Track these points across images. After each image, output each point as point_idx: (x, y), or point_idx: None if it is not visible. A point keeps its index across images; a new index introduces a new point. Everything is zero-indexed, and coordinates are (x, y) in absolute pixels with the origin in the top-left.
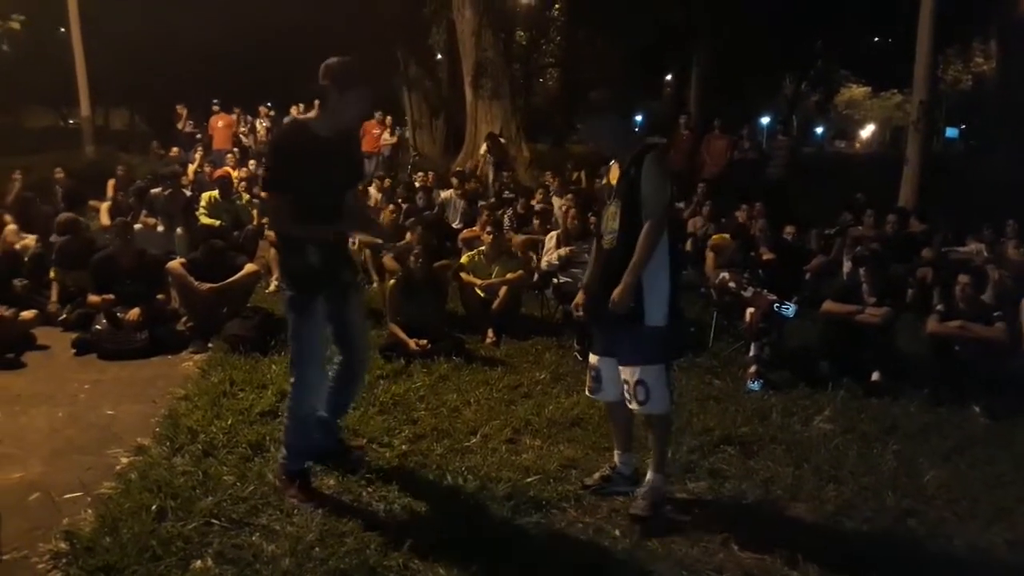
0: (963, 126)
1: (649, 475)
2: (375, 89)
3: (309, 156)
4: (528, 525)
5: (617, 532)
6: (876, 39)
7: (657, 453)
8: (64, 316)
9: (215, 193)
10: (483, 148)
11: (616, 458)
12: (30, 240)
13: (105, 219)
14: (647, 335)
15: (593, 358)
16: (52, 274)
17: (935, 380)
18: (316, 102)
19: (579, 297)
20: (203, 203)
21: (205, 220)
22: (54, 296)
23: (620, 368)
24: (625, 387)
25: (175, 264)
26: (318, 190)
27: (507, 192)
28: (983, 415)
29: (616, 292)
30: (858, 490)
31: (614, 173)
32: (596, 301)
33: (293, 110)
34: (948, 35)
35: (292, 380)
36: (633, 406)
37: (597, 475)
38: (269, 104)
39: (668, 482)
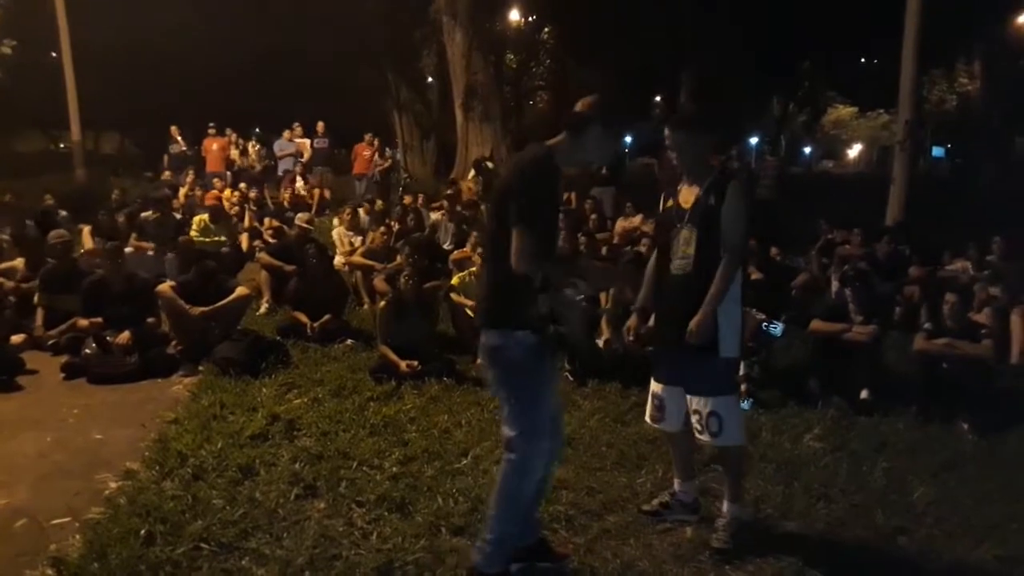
0: (949, 145)
1: (726, 506)
2: (619, 138)
3: (555, 189)
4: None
5: (608, 553)
6: (862, 60)
7: (732, 484)
8: (53, 340)
9: (206, 216)
10: (471, 173)
11: (676, 486)
12: (18, 263)
13: (88, 241)
14: (721, 366)
15: (656, 386)
16: (36, 299)
17: (923, 398)
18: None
19: (632, 321)
20: (194, 226)
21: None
22: (39, 320)
23: (689, 398)
24: (695, 418)
25: (165, 287)
26: (555, 227)
27: None
28: (971, 432)
29: (694, 323)
30: (848, 508)
31: (685, 195)
32: (665, 328)
33: (286, 134)
34: (933, 56)
35: (514, 456)
36: (704, 438)
37: (656, 501)
38: (258, 130)
39: (746, 509)
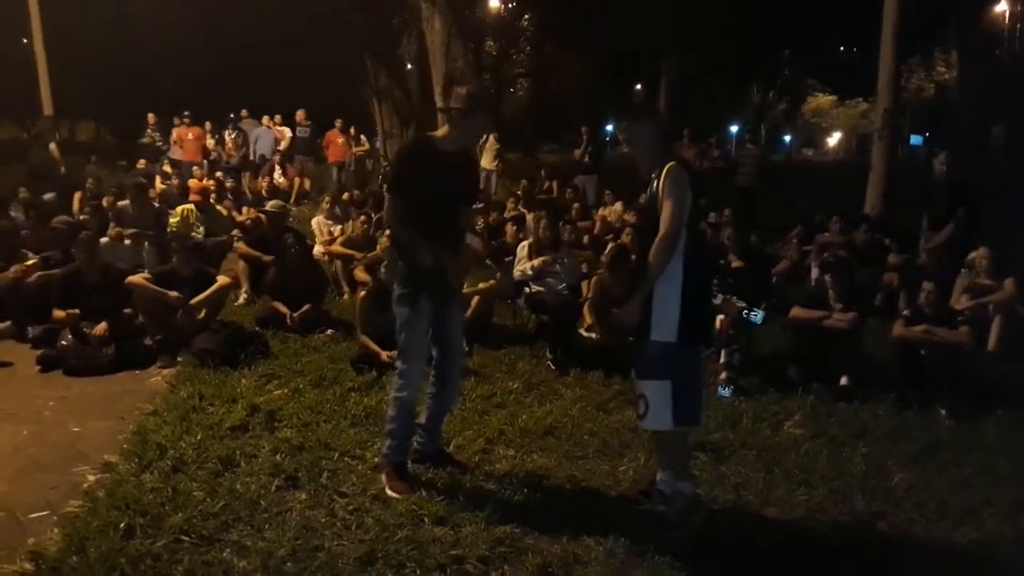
0: (927, 133)
1: (659, 474)
2: (492, 116)
3: (430, 167)
4: (500, 534)
5: (589, 540)
6: (841, 48)
7: (664, 469)
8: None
9: (190, 207)
10: None
11: (658, 475)
12: None
13: None
14: (653, 349)
15: None
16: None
17: (902, 384)
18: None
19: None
20: (176, 216)
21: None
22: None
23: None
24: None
25: (136, 277)
26: (435, 199)
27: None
28: (948, 418)
29: (624, 305)
30: (828, 493)
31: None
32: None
33: (265, 120)
34: (911, 45)
35: (397, 371)
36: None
37: (636, 489)
38: (232, 116)
39: (683, 485)
